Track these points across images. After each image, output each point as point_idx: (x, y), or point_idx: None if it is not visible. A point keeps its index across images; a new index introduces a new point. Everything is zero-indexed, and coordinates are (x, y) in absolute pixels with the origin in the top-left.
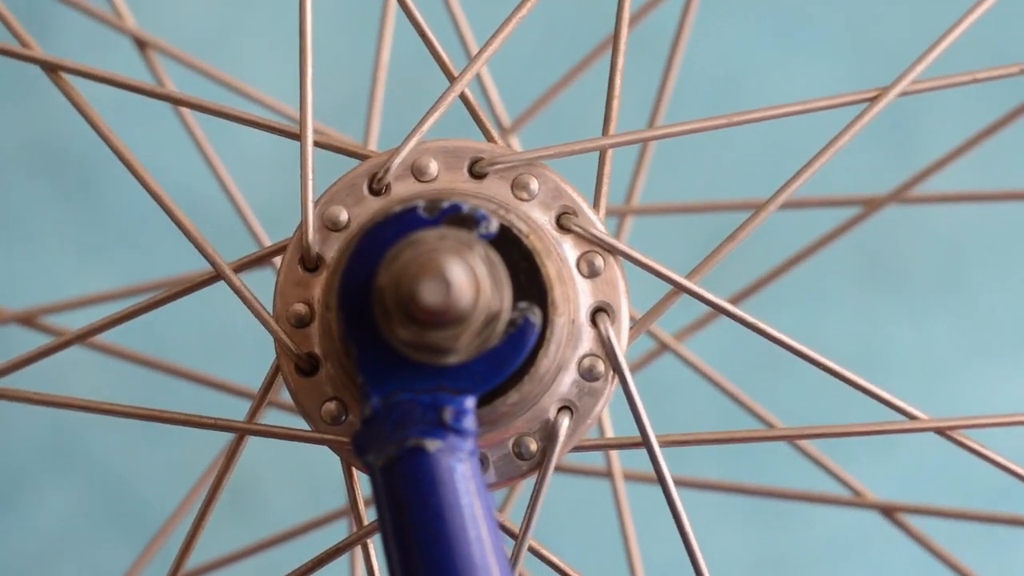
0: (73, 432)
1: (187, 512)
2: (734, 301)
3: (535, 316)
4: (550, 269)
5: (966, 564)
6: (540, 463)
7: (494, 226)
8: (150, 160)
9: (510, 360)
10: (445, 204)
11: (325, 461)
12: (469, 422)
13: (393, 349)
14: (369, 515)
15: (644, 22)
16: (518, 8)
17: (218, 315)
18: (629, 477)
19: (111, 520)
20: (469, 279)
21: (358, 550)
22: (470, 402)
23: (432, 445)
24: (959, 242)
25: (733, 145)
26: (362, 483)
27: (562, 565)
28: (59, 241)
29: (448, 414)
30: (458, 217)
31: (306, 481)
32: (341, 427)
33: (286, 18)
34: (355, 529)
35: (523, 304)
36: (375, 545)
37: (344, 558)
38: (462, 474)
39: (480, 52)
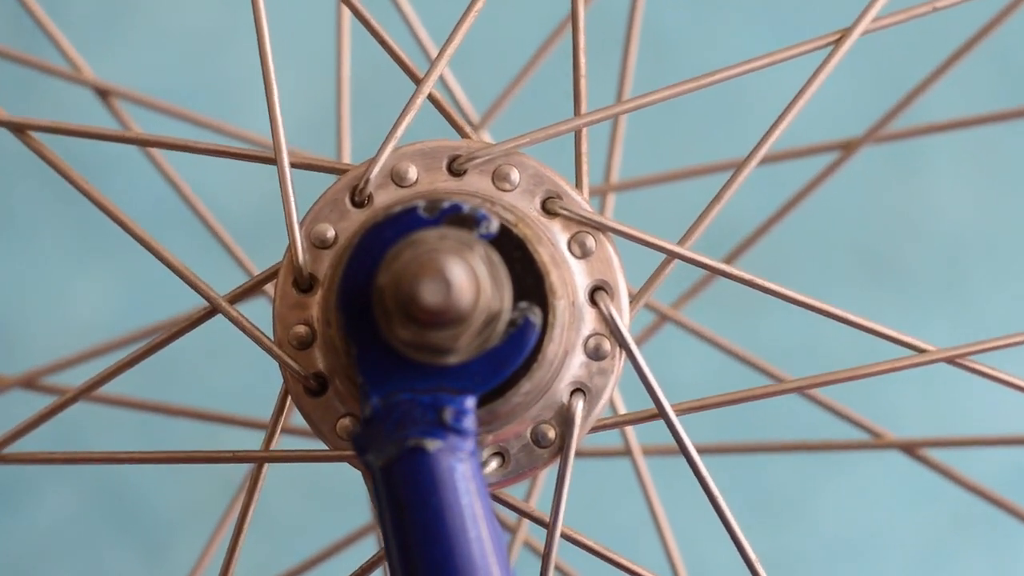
0: (72, 432)
1: (217, 545)
2: (727, 261)
3: (535, 316)
4: (543, 255)
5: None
6: (561, 448)
7: (494, 226)
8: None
9: (510, 360)
10: (445, 204)
11: (328, 466)
12: (469, 422)
13: (393, 349)
14: None
15: (614, 9)
16: (473, 3)
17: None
18: (648, 452)
19: (111, 520)
20: (469, 279)
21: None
22: (470, 402)
23: (432, 445)
24: (959, 242)
25: (727, 129)
26: None
27: (598, 547)
28: (59, 243)
29: (448, 414)
30: (458, 217)
31: (309, 484)
32: None
33: (288, 16)
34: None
35: (523, 304)
36: None
37: None
38: (462, 474)
39: (441, 51)
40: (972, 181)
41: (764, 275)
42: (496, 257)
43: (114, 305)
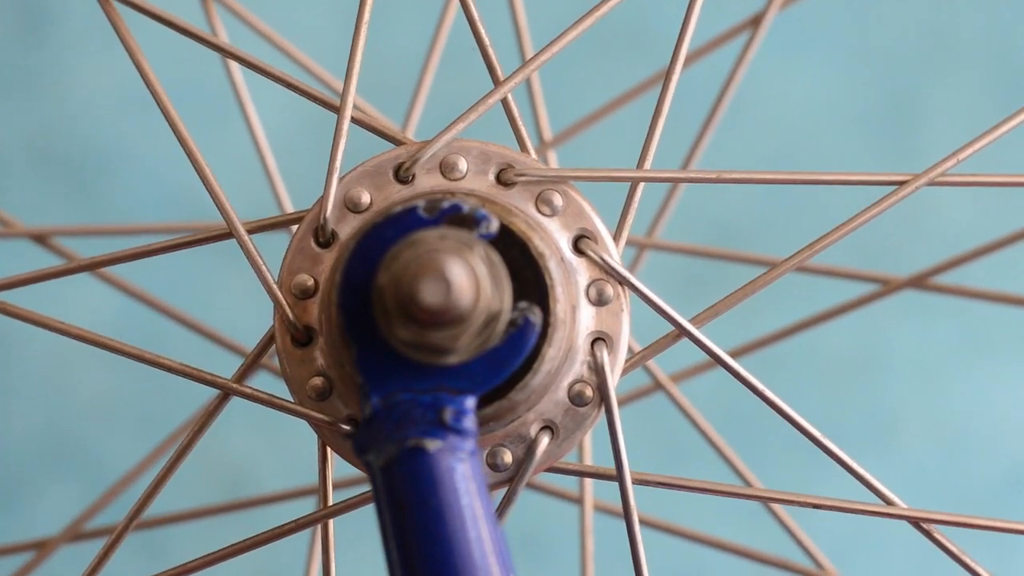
0: (72, 432)
1: None
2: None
3: (535, 316)
4: (519, 224)
5: None
6: (602, 400)
7: (494, 226)
8: (151, 160)
9: (510, 360)
10: (445, 204)
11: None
12: (469, 422)
13: (393, 349)
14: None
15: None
16: (361, 17)
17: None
18: (678, 378)
19: (109, 520)
20: (469, 279)
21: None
22: (470, 402)
23: (432, 445)
24: (959, 243)
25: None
26: None
27: (671, 479)
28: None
29: (448, 414)
30: (458, 217)
31: (307, 479)
32: None
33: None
34: None
35: (523, 304)
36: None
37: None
38: (462, 474)
39: (348, 73)
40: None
41: (765, 294)
42: (496, 257)
43: (112, 308)
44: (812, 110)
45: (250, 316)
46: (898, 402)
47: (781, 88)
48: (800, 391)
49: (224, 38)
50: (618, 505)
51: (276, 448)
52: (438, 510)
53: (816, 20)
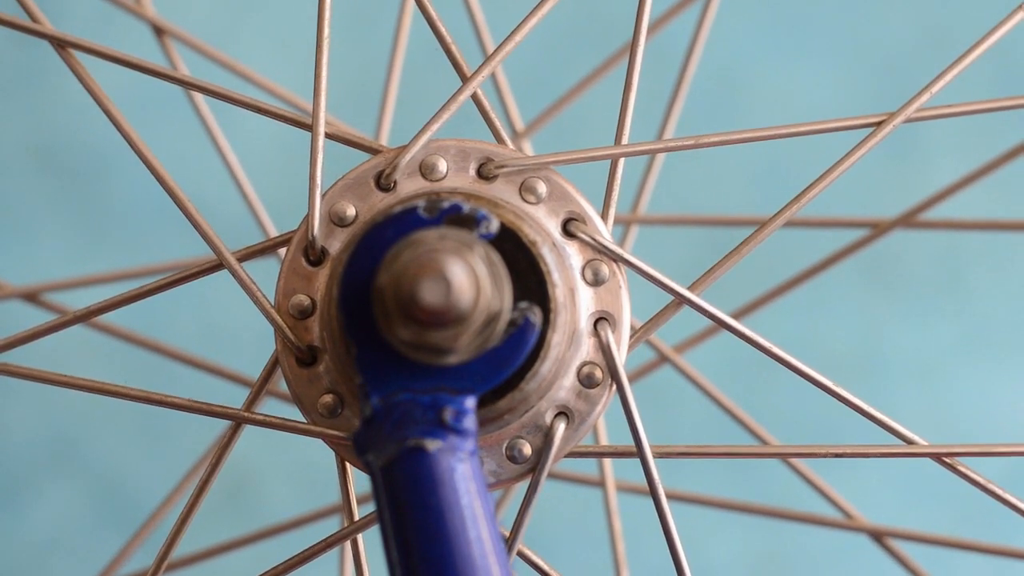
0: (72, 433)
1: None
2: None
3: (535, 316)
4: (507, 215)
5: None
6: (611, 380)
7: (494, 226)
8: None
9: (510, 360)
10: (445, 204)
11: (326, 459)
12: (469, 422)
13: (393, 349)
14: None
15: (659, 30)
16: (321, 39)
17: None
18: (682, 348)
19: (110, 520)
20: (469, 279)
21: (347, 545)
22: (470, 402)
23: (432, 445)
24: (958, 243)
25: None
26: None
27: (691, 449)
28: (59, 246)
29: (448, 414)
30: (458, 217)
31: (306, 478)
32: None
33: (289, 15)
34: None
35: (523, 304)
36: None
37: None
38: (462, 474)
39: (316, 92)
40: (978, 202)
41: (763, 273)
42: (496, 257)
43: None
44: (812, 110)
45: (251, 318)
46: (898, 402)
47: (781, 88)
48: (800, 391)
49: (184, 71)
50: (636, 483)
51: (278, 449)
52: (438, 510)
53: (816, 20)
